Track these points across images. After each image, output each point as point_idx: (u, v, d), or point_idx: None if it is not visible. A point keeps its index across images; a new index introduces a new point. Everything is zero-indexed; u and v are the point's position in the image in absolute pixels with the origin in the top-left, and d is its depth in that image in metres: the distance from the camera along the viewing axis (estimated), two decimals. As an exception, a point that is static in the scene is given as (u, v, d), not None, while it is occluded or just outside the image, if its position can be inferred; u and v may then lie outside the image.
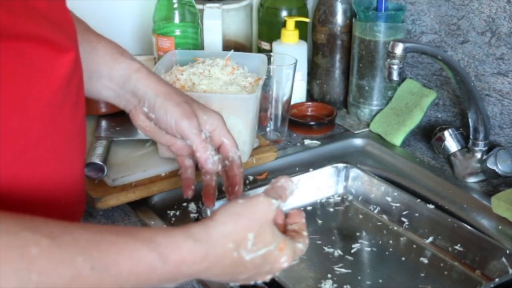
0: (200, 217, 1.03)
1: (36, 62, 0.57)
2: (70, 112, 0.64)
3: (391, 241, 1.03)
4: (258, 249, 0.64)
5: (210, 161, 0.86)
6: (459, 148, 1.12)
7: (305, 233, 0.70)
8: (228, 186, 0.92)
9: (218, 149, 0.90)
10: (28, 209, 0.55)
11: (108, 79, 0.85)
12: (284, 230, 0.70)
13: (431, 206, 1.04)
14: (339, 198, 1.14)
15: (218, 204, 0.94)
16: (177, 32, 1.27)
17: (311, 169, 1.14)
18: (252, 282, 0.69)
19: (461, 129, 1.14)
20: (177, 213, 1.05)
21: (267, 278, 0.68)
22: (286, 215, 0.72)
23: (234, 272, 0.64)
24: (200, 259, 0.60)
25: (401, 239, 1.03)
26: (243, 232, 0.63)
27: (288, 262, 0.66)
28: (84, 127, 0.68)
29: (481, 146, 1.09)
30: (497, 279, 0.88)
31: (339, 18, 1.32)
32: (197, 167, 0.93)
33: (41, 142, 0.60)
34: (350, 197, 1.14)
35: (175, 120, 0.85)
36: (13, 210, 0.52)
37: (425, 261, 0.98)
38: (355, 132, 1.28)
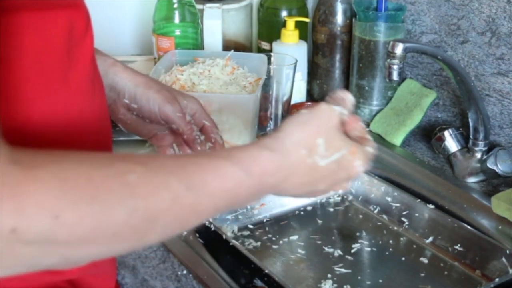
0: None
1: (72, 33, 0.58)
2: (99, 83, 0.65)
3: (391, 241, 1.03)
4: (331, 154, 0.64)
5: (197, 141, 0.88)
6: (459, 148, 1.12)
7: (369, 137, 0.70)
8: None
9: (200, 132, 0.91)
10: None
11: None
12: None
13: (431, 206, 1.04)
14: (339, 198, 1.14)
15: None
16: (177, 32, 1.27)
17: (311, 169, 1.14)
18: (332, 193, 0.69)
19: (461, 129, 1.14)
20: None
21: (347, 186, 0.69)
22: (343, 124, 0.70)
23: (312, 181, 0.64)
24: (278, 168, 0.61)
25: (401, 239, 1.03)
26: (312, 138, 0.64)
27: (363, 166, 0.67)
28: (105, 93, 0.70)
29: (481, 146, 1.09)
30: (497, 279, 0.88)
31: (339, 18, 1.32)
32: None
33: (84, 113, 0.61)
34: (350, 197, 1.14)
35: (158, 106, 0.86)
36: None
37: (425, 261, 0.98)
38: (355, 132, 1.28)
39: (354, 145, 0.66)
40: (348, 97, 0.70)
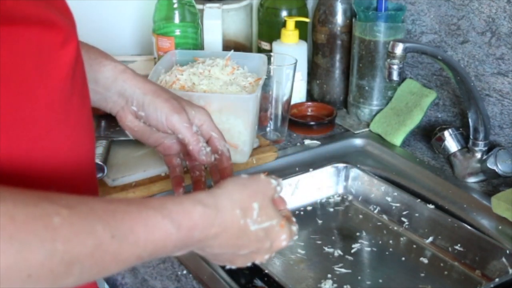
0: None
1: (43, 48, 0.57)
2: (78, 101, 0.64)
3: (391, 241, 1.03)
4: (262, 221, 0.66)
5: (203, 152, 0.87)
6: (459, 148, 1.12)
7: (293, 219, 0.73)
8: (218, 181, 0.92)
9: (206, 143, 0.91)
10: None
11: (94, 82, 0.86)
12: None
13: (431, 206, 1.04)
14: (339, 198, 1.14)
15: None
16: (177, 32, 1.27)
17: (311, 169, 1.14)
18: (249, 264, 0.70)
19: (461, 129, 1.14)
20: (177, 213, 1.05)
21: (265, 258, 0.70)
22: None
23: (238, 244, 0.65)
24: (210, 224, 0.61)
25: (401, 239, 1.03)
26: (249, 201, 0.66)
27: (286, 241, 0.69)
28: (91, 117, 0.68)
29: (481, 146, 1.09)
30: (497, 279, 0.88)
31: (339, 18, 1.32)
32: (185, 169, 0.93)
33: (53, 131, 0.60)
34: (350, 197, 1.14)
35: (165, 115, 0.86)
36: None
37: (425, 261, 0.98)
38: (355, 132, 1.28)
39: (283, 219, 0.69)
40: (279, 180, 0.72)
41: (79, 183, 0.66)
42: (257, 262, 0.71)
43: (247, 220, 0.65)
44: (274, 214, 0.68)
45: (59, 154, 0.61)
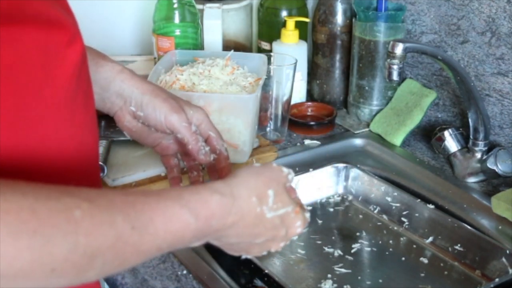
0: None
1: (50, 47, 0.57)
2: (83, 101, 0.64)
3: (391, 241, 1.03)
4: (278, 208, 0.67)
5: (202, 152, 0.88)
6: (459, 148, 1.12)
7: (305, 206, 0.74)
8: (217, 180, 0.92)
9: (205, 142, 0.91)
10: None
11: (92, 83, 0.86)
12: None
13: (431, 206, 1.04)
14: (339, 198, 1.14)
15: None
16: (177, 32, 1.27)
17: (311, 169, 1.14)
18: (265, 253, 0.71)
19: (461, 129, 1.14)
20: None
21: (281, 246, 0.70)
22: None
23: (255, 233, 0.66)
24: (227, 212, 0.62)
25: (401, 239, 1.03)
26: (264, 188, 0.66)
27: (301, 227, 0.70)
28: (95, 117, 0.69)
29: (481, 146, 1.09)
30: (497, 279, 0.88)
31: (339, 18, 1.32)
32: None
33: (60, 130, 0.60)
34: (350, 197, 1.14)
35: (164, 115, 0.86)
36: None
37: (425, 261, 0.98)
38: (355, 132, 1.28)
39: (298, 205, 0.71)
40: (291, 171, 0.73)
41: (84, 182, 0.65)
42: (273, 250, 0.71)
43: (263, 208, 0.65)
44: (289, 201, 0.69)
45: (65, 153, 0.62)
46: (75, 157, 0.63)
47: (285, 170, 0.71)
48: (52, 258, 0.48)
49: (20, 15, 0.54)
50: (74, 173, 0.63)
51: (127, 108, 0.88)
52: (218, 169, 0.91)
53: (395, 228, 1.06)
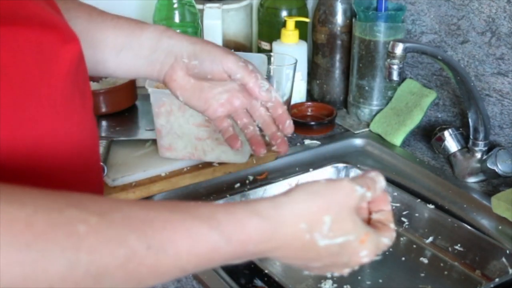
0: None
1: (44, 47, 0.57)
2: (80, 100, 0.63)
3: (391, 241, 1.03)
4: (335, 236, 0.58)
5: (263, 88, 0.84)
6: (459, 148, 1.12)
7: (392, 225, 0.65)
8: (274, 133, 0.90)
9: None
10: None
11: (138, 47, 0.84)
12: (368, 218, 0.65)
13: (431, 206, 1.04)
14: (339, 198, 1.14)
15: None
16: (177, 32, 1.27)
17: (311, 169, 1.14)
18: (328, 274, 0.64)
19: (461, 129, 1.14)
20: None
21: (345, 271, 0.63)
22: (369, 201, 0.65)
23: (306, 258, 0.59)
24: (267, 238, 0.55)
25: (401, 239, 1.03)
26: (319, 214, 0.57)
27: (369, 257, 0.61)
28: (94, 117, 0.68)
29: (481, 146, 1.09)
30: (497, 279, 0.88)
31: (339, 18, 1.32)
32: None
33: (57, 130, 0.59)
34: (350, 197, 1.14)
35: (220, 58, 0.84)
36: None
37: (425, 261, 0.98)
38: (355, 132, 1.28)
39: (366, 233, 0.60)
40: (380, 180, 0.63)
41: (84, 182, 0.65)
42: (336, 274, 0.65)
43: (314, 234, 0.57)
44: (352, 228, 0.59)
45: (62, 153, 0.61)
46: (73, 157, 0.62)
47: (359, 190, 0.60)
48: (47, 275, 0.45)
49: (14, 16, 0.54)
50: (72, 173, 0.62)
51: (179, 64, 0.85)
52: (275, 117, 0.89)
53: (395, 228, 1.06)
